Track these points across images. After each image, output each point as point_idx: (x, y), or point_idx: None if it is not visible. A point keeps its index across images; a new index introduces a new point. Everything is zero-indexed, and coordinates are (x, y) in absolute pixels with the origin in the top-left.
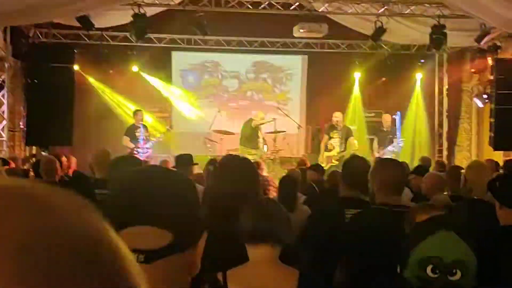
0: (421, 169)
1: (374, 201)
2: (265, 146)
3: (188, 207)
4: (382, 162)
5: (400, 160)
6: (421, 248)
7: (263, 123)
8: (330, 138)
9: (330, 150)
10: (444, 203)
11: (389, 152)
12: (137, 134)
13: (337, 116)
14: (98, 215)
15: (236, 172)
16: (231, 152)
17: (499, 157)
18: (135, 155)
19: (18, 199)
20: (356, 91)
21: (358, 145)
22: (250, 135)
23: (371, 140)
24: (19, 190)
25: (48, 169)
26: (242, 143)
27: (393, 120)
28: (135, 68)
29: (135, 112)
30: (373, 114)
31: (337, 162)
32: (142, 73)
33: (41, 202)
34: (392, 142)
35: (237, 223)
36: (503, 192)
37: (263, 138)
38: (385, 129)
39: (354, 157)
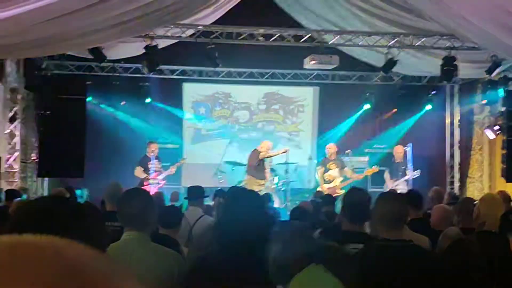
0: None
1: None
2: (276, 177)
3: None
4: (381, 196)
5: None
6: (292, 283)
7: (271, 156)
8: (328, 170)
9: (330, 182)
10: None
11: (403, 183)
12: (149, 165)
13: (330, 147)
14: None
15: (246, 207)
16: (242, 184)
17: None
18: (145, 187)
19: (49, 259)
20: (351, 121)
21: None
22: (257, 165)
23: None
24: (51, 249)
25: None
26: (250, 173)
27: (405, 152)
28: (147, 99)
29: (148, 144)
30: (384, 146)
31: (342, 192)
32: (154, 105)
33: (71, 265)
34: (405, 173)
35: (267, 263)
36: None
37: (272, 169)
38: (397, 161)
39: (352, 189)
